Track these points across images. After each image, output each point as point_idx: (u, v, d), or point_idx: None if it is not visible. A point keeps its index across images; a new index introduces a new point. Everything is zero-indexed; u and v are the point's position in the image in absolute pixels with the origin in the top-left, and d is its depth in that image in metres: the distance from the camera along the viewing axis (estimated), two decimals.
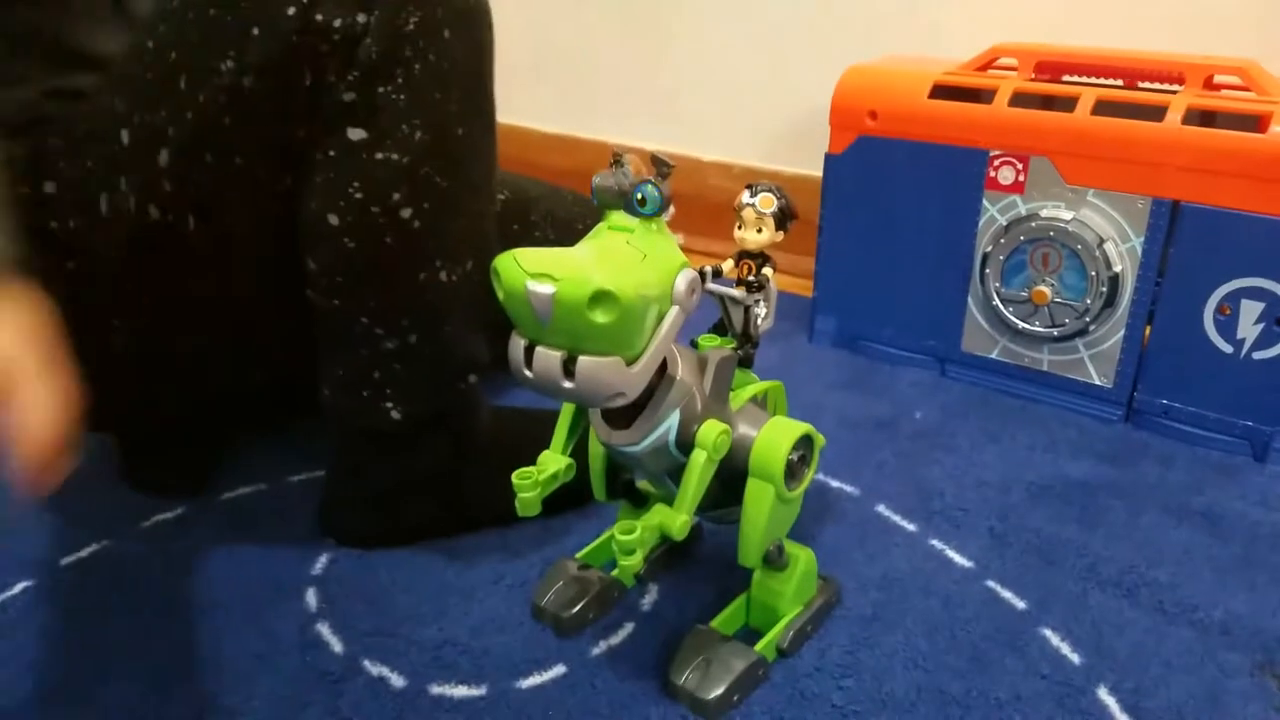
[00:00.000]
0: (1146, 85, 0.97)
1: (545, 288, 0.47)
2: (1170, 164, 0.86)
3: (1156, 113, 0.87)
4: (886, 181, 1.03)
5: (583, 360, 0.48)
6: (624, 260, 0.50)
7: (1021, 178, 0.95)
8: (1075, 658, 0.66)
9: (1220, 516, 0.81)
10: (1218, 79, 0.90)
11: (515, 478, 0.59)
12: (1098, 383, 0.96)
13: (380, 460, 0.74)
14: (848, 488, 0.85)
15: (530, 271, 0.47)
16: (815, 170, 1.11)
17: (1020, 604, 0.71)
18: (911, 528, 0.80)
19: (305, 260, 0.69)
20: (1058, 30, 1.13)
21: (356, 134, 0.65)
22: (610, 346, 0.49)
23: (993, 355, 1.02)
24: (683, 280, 0.52)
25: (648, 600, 0.71)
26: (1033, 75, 0.98)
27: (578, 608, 0.68)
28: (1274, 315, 0.85)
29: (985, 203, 0.98)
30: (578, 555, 0.72)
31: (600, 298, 0.47)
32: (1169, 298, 0.90)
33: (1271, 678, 0.64)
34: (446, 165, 0.68)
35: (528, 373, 0.50)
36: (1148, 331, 0.93)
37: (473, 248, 0.72)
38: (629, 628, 0.68)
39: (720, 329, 0.67)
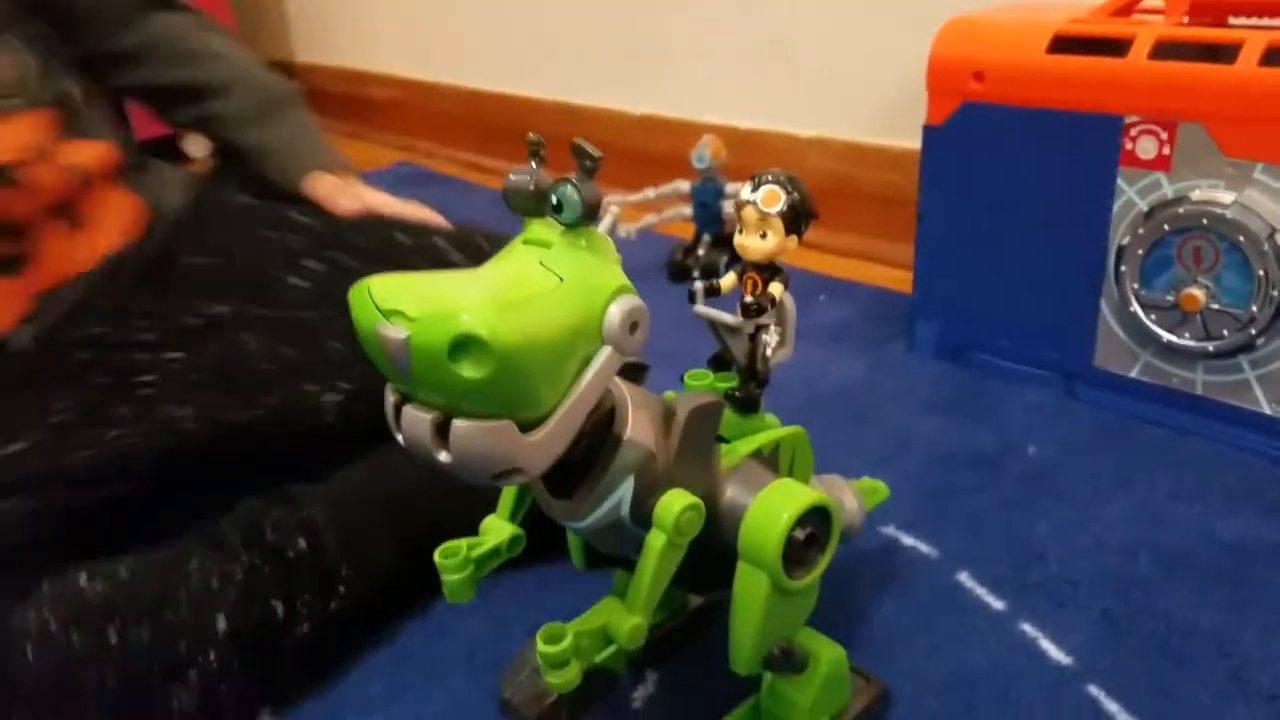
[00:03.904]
0: None
1: (397, 332, 0.36)
2: None
3: None
4: (997, 157, 0.88)
5: (458, 425, 0.38)
6: (522, 289, 0.39)
7: (1167, 150, 0.77)
8: None
9: None
10: None
11: (439, 555, 0.49)
12: (1267, 411, 0.78)
13: None
14: (923, 547, 0.71)
15: (383, 308, 0.37)
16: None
17: None
18: (998, 605, 0.65)
19: None
20: None
21: None
22: (498, 407, 0.38)
23: (1132, 374, 0.85)
24: (617, 311, 0.41)
25: (640, 695, 0.60)
26: (1185, 19, 0.80)
27: (548, 703, 0.57)
28: None
29: (1121, 182, 0.81)
30: None
31: (465, 345, 0.36)
32: None
33: None
34: None
35: (399, 436, 0.40)
36: None
37: None
38: None
39: (722, 362, 0.55)
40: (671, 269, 1.24)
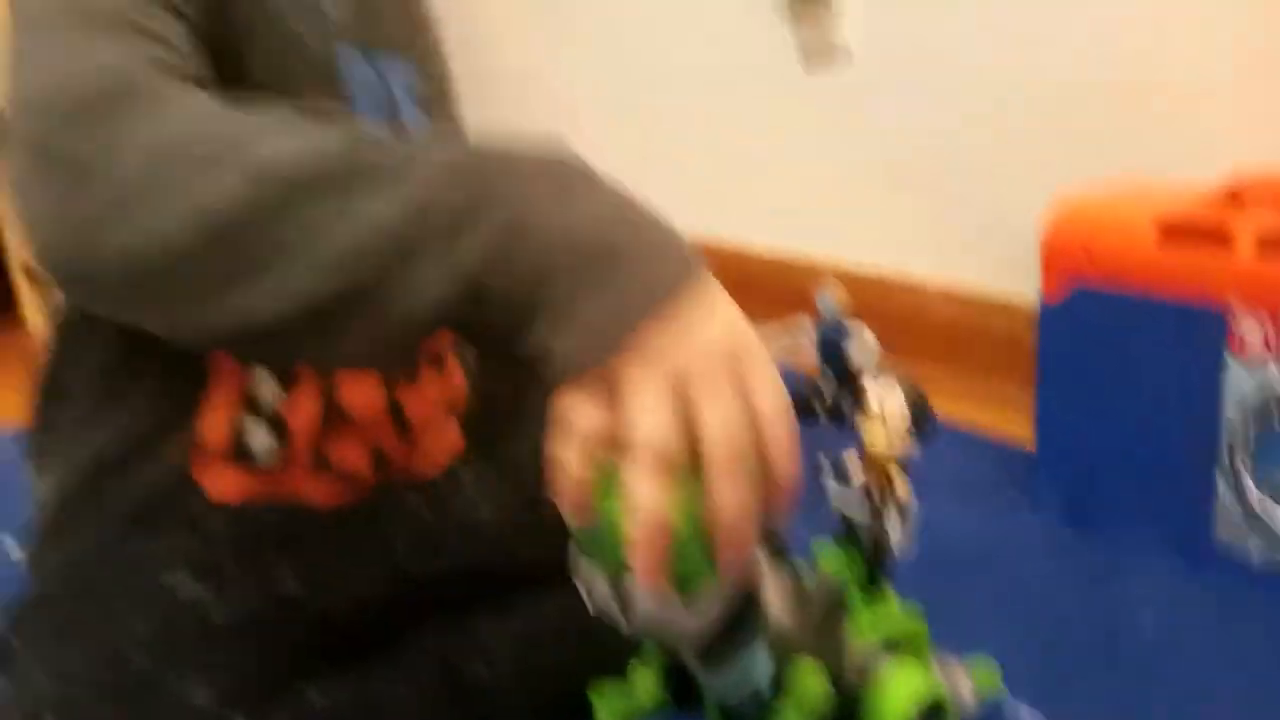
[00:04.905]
0: None
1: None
2: None
3: None
4: (1110, 340, 0.94)
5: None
6: None
7: (1274, 340, 0.83)
8: None
9: None
10: None
11: (594, 695, 0.58)
12: None
13: None
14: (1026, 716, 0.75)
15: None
16: None
17: None
18: None
19: None
20: None
21: None
22: None
23: (1251, 553, 0.88)
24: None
25: None
26: None
27: None
28: None
29: (1230, 370, 0.86)
30: None
31: None
32: None
33: None
34: None
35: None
36: None
37: None
38: None
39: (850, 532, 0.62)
40: (799, 408, 1.31)
